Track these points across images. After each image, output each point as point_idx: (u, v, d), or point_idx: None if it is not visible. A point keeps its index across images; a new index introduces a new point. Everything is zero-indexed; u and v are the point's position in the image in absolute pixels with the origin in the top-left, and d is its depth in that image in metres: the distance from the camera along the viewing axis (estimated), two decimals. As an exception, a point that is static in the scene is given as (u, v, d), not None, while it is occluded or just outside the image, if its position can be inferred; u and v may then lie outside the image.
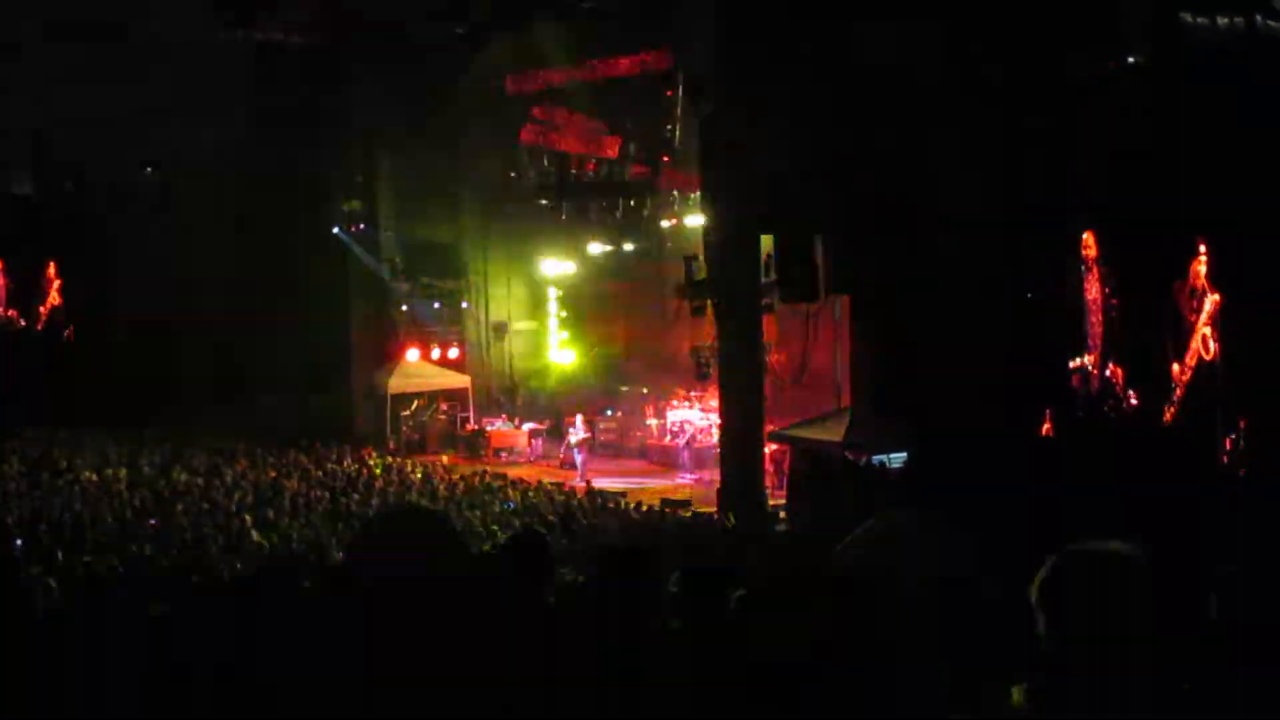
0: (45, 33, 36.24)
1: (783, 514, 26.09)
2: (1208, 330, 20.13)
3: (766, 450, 27.95)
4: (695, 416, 34.08)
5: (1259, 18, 19.28)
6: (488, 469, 31.75)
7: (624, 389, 37.80)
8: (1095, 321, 22.52)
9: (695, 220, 30.40)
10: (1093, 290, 22.53)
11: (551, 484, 29.38)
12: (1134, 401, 21.67)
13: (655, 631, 4.69)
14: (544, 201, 35.39)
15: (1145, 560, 2.77)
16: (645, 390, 36.66)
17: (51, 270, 44.93)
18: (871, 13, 23.10)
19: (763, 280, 26.68)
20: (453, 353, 39.25)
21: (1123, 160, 18.88)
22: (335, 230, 37.22)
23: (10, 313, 45.04)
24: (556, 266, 38.74)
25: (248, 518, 23.52)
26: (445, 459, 34.89)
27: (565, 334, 40.04)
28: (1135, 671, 2.64)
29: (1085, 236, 22.29)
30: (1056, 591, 2.75)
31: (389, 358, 38.26)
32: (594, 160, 36.45)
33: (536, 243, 38.40)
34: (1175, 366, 20.93)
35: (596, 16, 32.00)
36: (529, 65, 36.29)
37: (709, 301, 28.10)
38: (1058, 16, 20.56)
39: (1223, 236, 17.59)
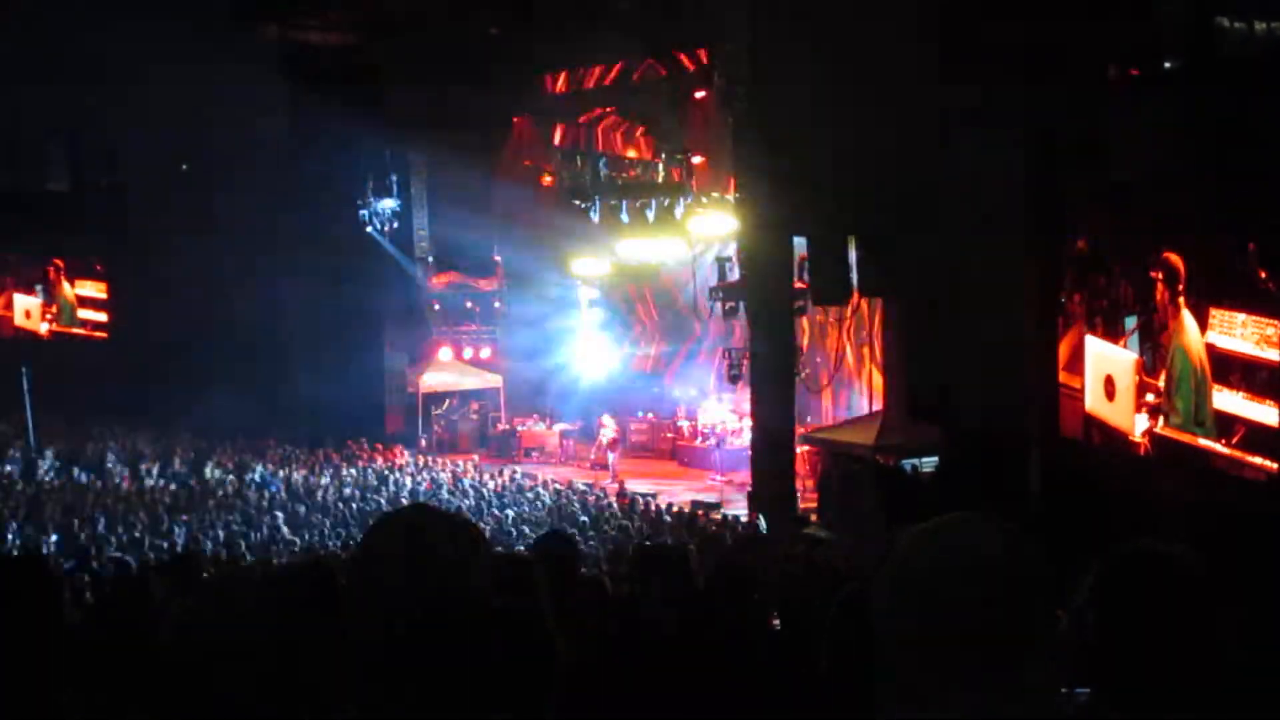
0: (80, 31, 36.43)
1: (813, 516, 26.04)
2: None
3: (799, 452, 27.91)
4: (727, 418, 34.07)
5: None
6: (517, 468, 31.82)
7: (655, 390, 37.85)
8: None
9: (728, 221, 30.35)
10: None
11: (583, 484, 29.41)
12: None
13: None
14: (577, 202, 35.38)
15: (1202, 565, 2.77)
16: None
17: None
18: (905, 15, 23.05)
19: (795, 282, 26.64)
20: (484, 352, 39.30)
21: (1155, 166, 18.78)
22: (369, 228, 37.32)
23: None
24: (589, 267, 38.77)
25: (279, 515, 23.65)
26: (476, 458, 34.96)
27: (597, 335, 40.05)
28: (1190, 673, 2.64)
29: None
30: (1116, 590, 2.74)
31: (421, 356, 38.34)
32: (627, 160, 36.48)
33: (569, 243, 38.43)
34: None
35: (631, 16, 31.97)
36: (564, 66, 36.34)
37: (741, 303, 28.07)
38: (1093, 19, 20.46)
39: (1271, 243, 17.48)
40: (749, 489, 27.53)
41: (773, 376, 26.89)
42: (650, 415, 36.71)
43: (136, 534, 21.76)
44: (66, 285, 46.37)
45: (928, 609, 2.21)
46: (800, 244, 26.29)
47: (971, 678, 2.18)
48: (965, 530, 2.29)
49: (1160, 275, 18.94)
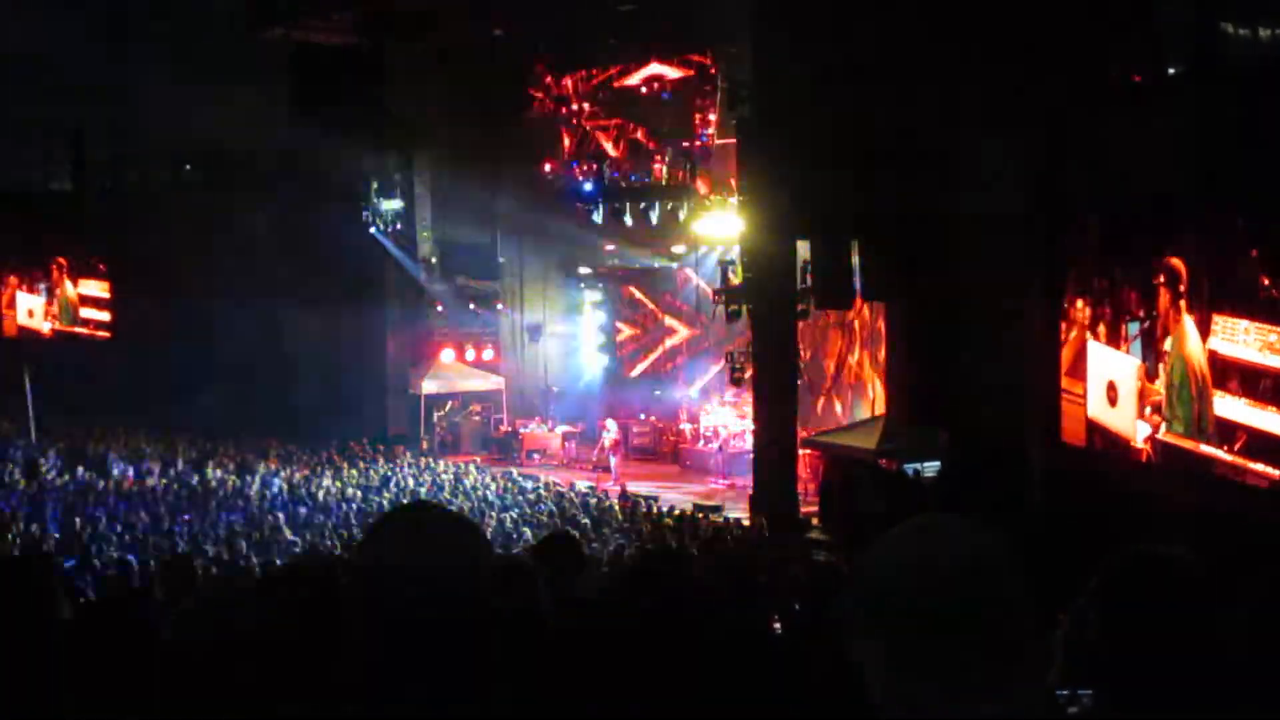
0: (85, 30, 36.46)
1: (815, 520, 26.04)
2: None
3: (801, 456, 27.90)
4: (729, 421, 34.06)
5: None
6: (516, 470, 31.80)
7: (658, 393, 37.83)
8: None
9: (732, 223, 30.36)
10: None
11: (585, 487, 29.40)
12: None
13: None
14: (580, 204, 35.40)
15: (1203, 568, 2.78)
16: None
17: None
18: (911, 19, 23.07)
19: (798, 286, 26.64)
20: (487, 354, 39.29)
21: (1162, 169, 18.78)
22: (372, 230, 37.33)
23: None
24: (592, 269, 38.74)
25: (280, 515, 23.64)
26: (478, 460, 34.95)
27: (600, 338, 40.05)
28: (1192, 676, 2.64)
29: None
30: (1118, 592, 2.75)
31: (424, 358, 38.33)
32: (631, 163, 36.51)
33: (573, 245, 38.43)
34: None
35: (636, 20, 32.00)
36: (568, 68, 36.35)
37: (744, 306, 28.07)
38: (1098, 23, 20.46)
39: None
40: (751, 492, 27.54)
41: (775, 380, 26.90)
42: (652, 418, 36.70)
43: (138, 533, 21.76)
44: (69, 284, 46.37)
45: (904, 612, 2.20)
46: (804, 247, 26.32)
47: (954, 680, 2.17)
48: (939, 531, 2.29)
49: (1163, 280, 18.93)
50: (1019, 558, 2.27)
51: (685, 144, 34.32)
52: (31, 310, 48.04)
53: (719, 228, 32.28)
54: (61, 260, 46.54)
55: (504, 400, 38.27)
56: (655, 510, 26.33)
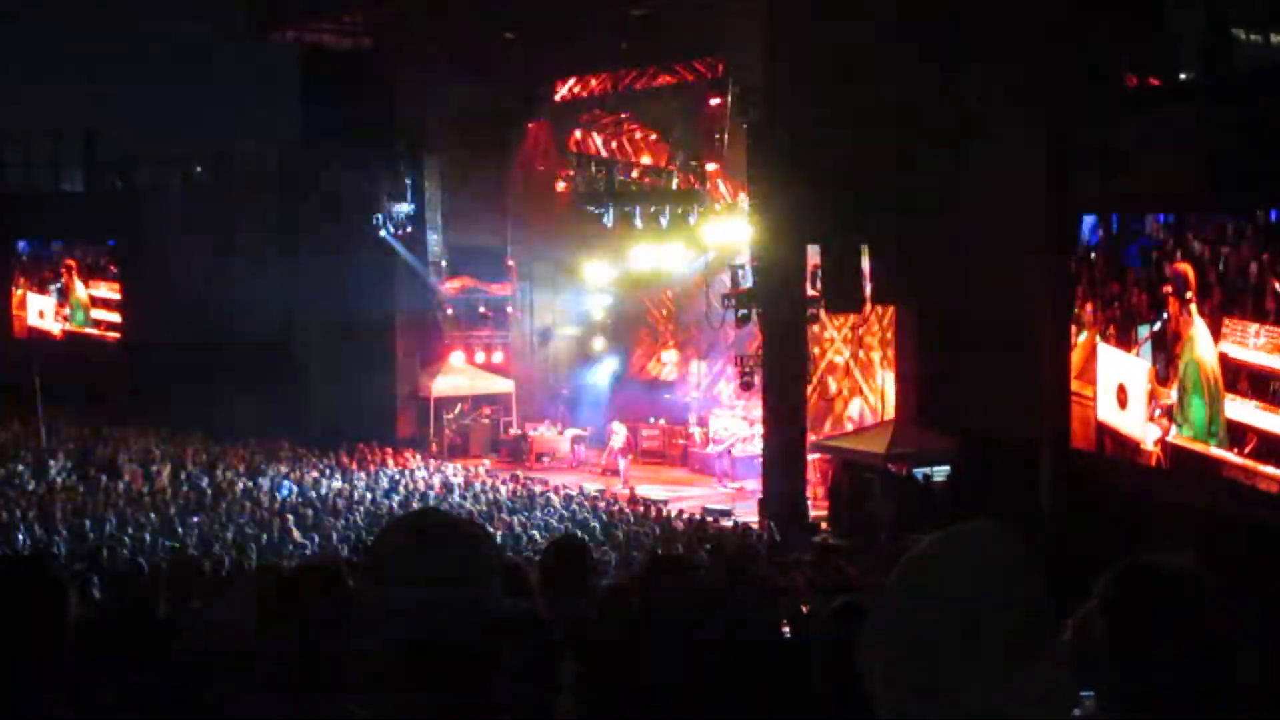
0: (97, 34, 36.57)
1: (825, 524, 26.03)
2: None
3: (810, 460, 27.87)
4: (738, 425, 34.00)
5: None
6: (520, 473, 31.78)
7: (667, 396, 37.81)
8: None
9: (742, 228, 30.33)
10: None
11: (595, 490, 29.39)
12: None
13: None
14: (590, 208, 35.39)
15: (1210, 578, 2.77)
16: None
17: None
18: (921, 22, 23.08)
19: (808, 290, 26.62)
20: (497, 357, 39.24)
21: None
22: (382, 233, 37.33)
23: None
24: (602, 272, 38.69)
25: (289, 517, 23.65)
26: (487, 463, 34.93)
27: (609, 340, 39.99)
28: (1191, 683, 2.64)
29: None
30: (1118, 600, 2.75)
31: (433, 360, 38.32)
32: (641, 167, 36.47)
33: (582, 249, 38.36)
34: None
35: (647, 24, 32.00)
36: (579, 72, 36.36)
37: (754, 310, 28.05)
38: (1109, 31, 20.47)
39: None
40: (760, 496, 27.51)
41: (785, 384, 26.89)
42: (661, 421, 36.67)
43: (147, 536, 21.78)
44: (80, 285, 46.38)
45: (946, 611, 2.21)
46: (814, 251, 26.30)
47: (986, 678, 2.18)
48: (982, 536, 2.30)
49: (1170, 290, 18.92)
50: (1038, 561, 2.28)
51: (696, 148, 34.29)
52: (42, 311, 48.08)
53: (729, 232, 32.27)
54: (71, 261, 46.57)
55: (513, 403, 38.25)
56: (664, 514, 26.32)
